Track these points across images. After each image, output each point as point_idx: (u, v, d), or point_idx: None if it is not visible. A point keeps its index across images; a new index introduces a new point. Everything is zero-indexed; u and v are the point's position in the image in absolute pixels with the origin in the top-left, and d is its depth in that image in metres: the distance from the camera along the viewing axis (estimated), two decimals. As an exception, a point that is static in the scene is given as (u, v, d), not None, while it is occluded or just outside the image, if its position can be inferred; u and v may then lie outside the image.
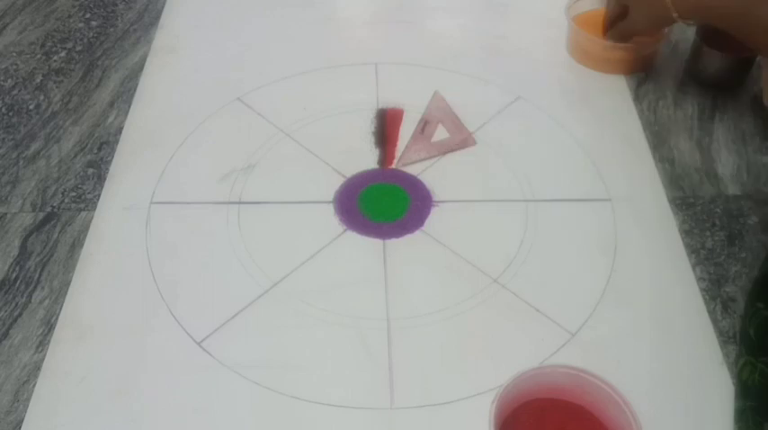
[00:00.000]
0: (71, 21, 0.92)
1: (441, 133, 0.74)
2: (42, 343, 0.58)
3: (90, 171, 0.72)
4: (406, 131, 0.75)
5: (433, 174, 0.71)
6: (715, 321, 0.59)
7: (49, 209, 0.68)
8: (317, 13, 0.92)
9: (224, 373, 0.56)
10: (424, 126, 0.75)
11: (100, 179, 0.71)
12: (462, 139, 0.74)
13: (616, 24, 0.77)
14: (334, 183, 0.70)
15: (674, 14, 0.66)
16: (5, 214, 0.68)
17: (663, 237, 0.65)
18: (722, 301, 0.60)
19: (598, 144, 0.73)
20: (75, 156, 0.73)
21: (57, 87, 0.82)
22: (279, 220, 0.67)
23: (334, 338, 0.58)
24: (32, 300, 0.61)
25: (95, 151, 0.74)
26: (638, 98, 0.79)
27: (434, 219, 0.67)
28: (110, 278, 0.62)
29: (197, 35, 0.89)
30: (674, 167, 0.71)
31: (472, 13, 0.94)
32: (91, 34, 0.89)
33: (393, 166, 0.72)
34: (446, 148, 0.73)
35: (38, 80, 0.83)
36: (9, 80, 0.83)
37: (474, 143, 0.73)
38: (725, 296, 0.61)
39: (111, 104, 0.79)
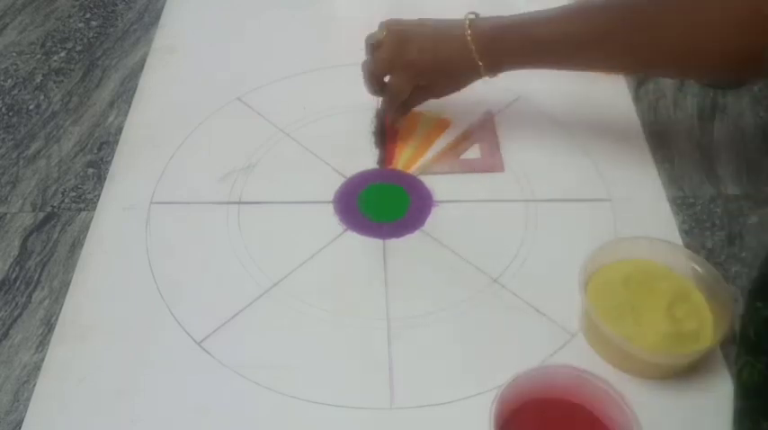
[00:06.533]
0: (71, 21, 0.92)
1: (473, 152, 0.73)
2: (42, 343, 0.58)
3: (90, 171, 0.72)
4: (442, 141, 0.74)
5: (433, 174, 0.71)
6: (715, 321, 0.59)
7: (49, 209, 0.68)
8: (317, 13, 0.92)
9: (224, 373, 0.56)
10: (460, 141, 0.74)
11: (100, 179, 0.71)
12: (491, 164, 0.71)
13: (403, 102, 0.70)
14: (334, 183, 0.70)
15: (482, 69, 0.64)
16: (5, 214, 0.68)
17: (663, 238, 0.65)
18: (722, 301, 0.60)
19: (598, 144, 0.73)
20: (75, 156, 0.73)
21: (57, 87, 0.82)
22: (279, 220, 0.67)
23: (334, 338, 0.58)
24: (32, 300, 0.61)
25: (95, 151, 0.74)
26: (638, 98, 0.79)
27: (434, 218, 0.67)
28: (110, 278, 0.62)
29: (197, 35, 0.89)
30: (673, 167, 0.71)
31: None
32: (91, 34, 0.89)
33: (410, 171, 0.71)
34: (471, 168, 0.71)
35: (38, 80, 0.83)
36: (9, 80, 0.83)
37: (502, 169, 0.71)
38: (725, 296, 0.60)
39: (111, 104, 0.79)
